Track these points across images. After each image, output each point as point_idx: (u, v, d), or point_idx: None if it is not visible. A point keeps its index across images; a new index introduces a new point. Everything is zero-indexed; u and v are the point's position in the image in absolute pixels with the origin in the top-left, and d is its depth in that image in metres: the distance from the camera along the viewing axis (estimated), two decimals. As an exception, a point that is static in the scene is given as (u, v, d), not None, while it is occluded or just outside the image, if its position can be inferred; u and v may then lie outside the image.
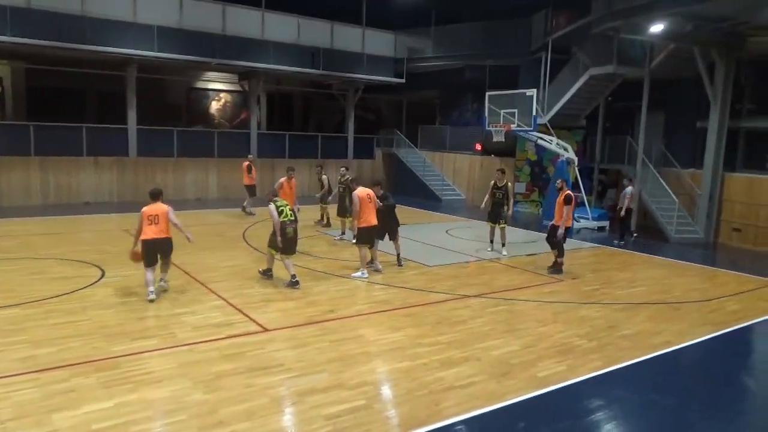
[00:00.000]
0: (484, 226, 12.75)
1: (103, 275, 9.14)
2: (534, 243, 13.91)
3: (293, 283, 8.75)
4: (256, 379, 5.48)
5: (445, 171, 23.85)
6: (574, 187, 16.40)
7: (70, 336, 6.40)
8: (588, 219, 16.71)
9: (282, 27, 20.17)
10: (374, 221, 9.69)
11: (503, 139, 17.08)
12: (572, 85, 17.98)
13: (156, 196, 8.39)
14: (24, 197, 17.10)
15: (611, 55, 16.38)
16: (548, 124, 17.85)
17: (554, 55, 18.51)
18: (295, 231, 8.96)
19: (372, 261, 10.10)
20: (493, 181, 12.22)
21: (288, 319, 7.36)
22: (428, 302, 8.40)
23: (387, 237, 10.49)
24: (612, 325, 7.74)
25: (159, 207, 8.18)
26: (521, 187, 20.63)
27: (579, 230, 15.97)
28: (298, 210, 10.27)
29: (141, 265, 8.01)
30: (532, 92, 15.92)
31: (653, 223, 15.91)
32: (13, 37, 15.39)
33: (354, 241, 12.01)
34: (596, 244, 14.06)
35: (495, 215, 12.11)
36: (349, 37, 21.83)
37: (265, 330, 6.90)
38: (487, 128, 17.35)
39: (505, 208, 11.96)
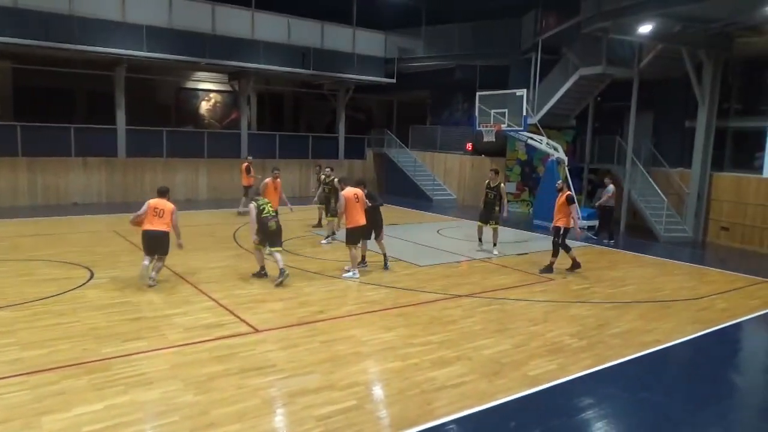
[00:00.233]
0: (475, 226, 12.77)
1: (92, 276, 9.07)
2: (525, 243, 13.99)
3: (281, 274, 8.88)
4: (247, 380, 5.46)
5: (436, 171, 23.89)
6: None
7: (60, 338, 6.35)
8: (578, 218, 16.77)
9: (272, 27, 20.12)
10: (362, 221, 9.69)
11: (494, 139, 17.12)
12: (562, 85, 18.07)
13: (164, 193, 8.89)
14: (11, 198, 16.96)
15: (600, 56, 16.48)
16: (538, 124, 17.92)
17: (544, 55, 18.60)
18: (278, 224, 9.14)
19: (362, 260, 10.11)
20: (487, 181, 12.26)
21: (279, 320, 7.35)
22: (419, 302, 8.42)
23: (372, 237, 10.45)
24: (602, 323, 7.79)
25: (165, 203, 8.69)
26: (512, 187, 20.70)
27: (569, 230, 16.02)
28: (291, 210, 10.31)
29: (129, 266, 8.00)
30: (522, 92, 15.97)
31: (642, 222, 16.03)
32: (-1, 37, 15.28)
33: (324, 240, 12.07)
34: (586, 243, 14.14)
35: (486, 216, 12.14)
36: (339, 37, 21.82)
37: (256, 331, 6.88)
38: (477, 128, 17.39)
39: (497, 208, 11.99)
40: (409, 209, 19.56)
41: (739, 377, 6.65)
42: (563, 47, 18.31)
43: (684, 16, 13.12)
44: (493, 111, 16.44)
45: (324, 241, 12.62)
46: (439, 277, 10.07)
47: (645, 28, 13.49)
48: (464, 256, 11.97)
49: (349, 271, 9.74)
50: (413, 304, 8.28)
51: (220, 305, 7.82)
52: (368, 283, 9.38)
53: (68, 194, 17.91)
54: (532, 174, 20.48)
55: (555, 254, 10.72)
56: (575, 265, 10.76)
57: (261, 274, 9.32)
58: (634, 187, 16.30)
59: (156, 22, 17.68)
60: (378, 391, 5.51)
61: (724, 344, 7.60)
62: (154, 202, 8.66)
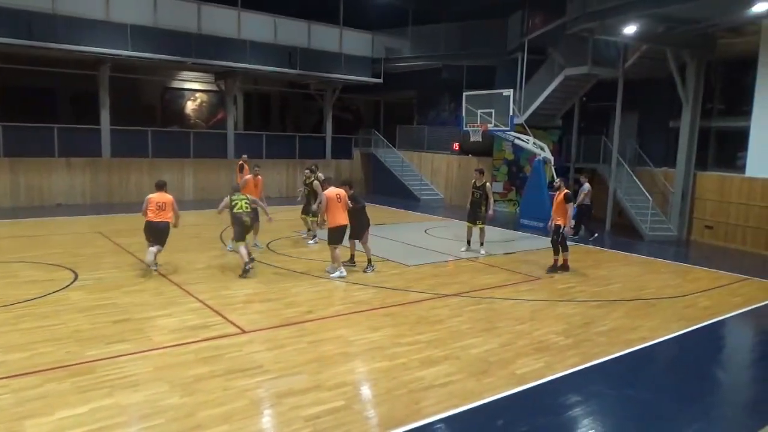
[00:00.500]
0: (463, 226, 12.81)
1: (76, 278, 8.96)
2: (511, 242, 14.06)
3: (249, 262, 9.52)
4: (234, 382, 5.42)
5: (423, 171, 23.92)
6: (551, 186, 16.58)
7: (43, 341, 6.26)
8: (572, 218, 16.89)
9: (258, 26, 20.02)
10: (343, 221, 9.67)
11: (480, 139, 17.18)
12: (548, 86, 18.17)
13: (161, 186, 9.64)
14: (-7, 199, 16.72)
15: (586, 56, 16.59)
16: (525, 124, 18.02)
17: (530, 55, 18.69)
18: (252, 219, 9.88)
19: (335, 260, 9.88)
20: (473, 181, 12.29)
21: (266, 321, 7.31)
22: (407, 302, 8.42)
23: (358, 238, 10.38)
24: (588, 321, 7.84)
25: (165, 196, 9.47)
26: (499, 187, 20.78)
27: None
28: (270, 220, 10.51)
29: (113, 267, 7.98)
30: (508, 92, 16.03)
31: (628, 221, 16.17)
32: (-20, 36, 15.05)
33: (311, 241, 12.01)
34: (572, 242, 14.20)
35: (472, 215, 12.17)
36: (326, 37, 21.76)
37: (243, 332, 6.84)
38: (464, 128, 17.43)
39: (483, 208, 12.02)
40: (397, 209, 19.57)
41: (722, 374, 6.73)
42: (549, 48, 18.41)
43: (668, 17, 13.25)
44: (479, 111, 16.50)
45: (311, 242, 12.59)
46: (426, 276, 10.08)
47: (630, 29, 13.60)
48: (452, 255, 11.99)
49: (333, 271, 9.71)
50: (401, 304, 8.28)
51: (207, 306, 7.77)
52: (356, 283, 9.37)
53: (52, 195, 17.68)
54: (518, 174, 20.58)
55: (556, 252, 10.81)
56: (564, 267, 10.81)
57: (246, 269, 9.46)
58: (620, 187, 16.43)
59: (141, 21, 17.50)
60: (366, 391, 5.50)
61: (708, 341, 7.68)
62: (155, 196, 9.42)
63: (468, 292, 9.12)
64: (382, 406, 5.14)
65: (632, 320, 7.99)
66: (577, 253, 13.01)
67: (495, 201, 20.39)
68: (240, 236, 9.58)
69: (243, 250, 9.51)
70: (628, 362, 6.55)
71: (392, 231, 14.69)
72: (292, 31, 20.75)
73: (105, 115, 18.37)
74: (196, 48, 18.55)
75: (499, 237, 14.46)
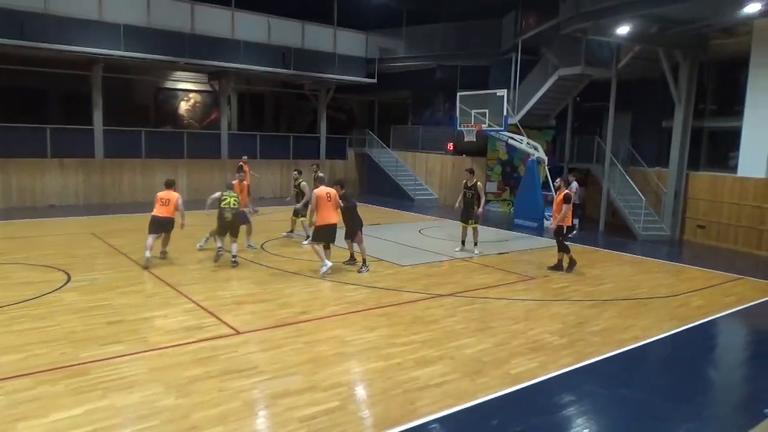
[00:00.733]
0: (457, 226, 12.84)
1: (69, 279, 8.92)
2: (505, 242, 14.09)
3: (218, 255, 10.32)
4: (229, 383, 5.42)
5: (417, 171, 23.94)
6: (545, 186, 16.65)
7: (37, 342, 6.23)
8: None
9: (252, 26, 19.99)
10: (331, 220, 9.72)
11: (474, 139, 17.22)
12: (542, 86, 18.24)
13: (170, 185, 10.46)
14: (-15, 200, 16.62)
15: (579, 56, 16.67)
16: (519, 124, 18.07)
17: (524, 55, 18.75)
18: (234, 217, 10.23)
19: (318, 255, 9.86)
20: (464, 181, 12.33)
21: (261, 321, 7.31)
22: (402, 302, 8.43)
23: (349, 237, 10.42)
24: (582, 321, 7.87)
25: (171, 193, 10.23)
26: (493, 187, 20.86)
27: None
28: (254, 212, 10.87)
29: (107, 269, 8.06)
30: (502, 92, 16.07)
31: (621, 220, 16.25)
32: (-29, 36, 14.97)
33: (306, 242, 12.02)
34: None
35: (465, 215, 12.21)
36: (320, 37, 21.75)
37: (238, 333, 6.83)
38: (458, 128, 17.47)
39: (476, 207, 12.06)
40: (391, 209, 19.58)
41: (715, 373, 6.78)
42: (543, 48, 18.47)
43: (661, 17, 13.33)
44: (473, 111, 16.54)
45: (305, 242, 12.58)
46: (421, 276, 10.10)
47: (623, 30, 13.67)
48: (446, 255, 12.01)
49: (322, 269, 9.72)
50: (396, 304, 8.29)
51: (201, 307, 7.75)
52: (350, 284, 9.37)
53: (44, 196, 17.60)
54: (512, 174, 20.64)
55: (562, 250, 10.90)
56: (558, 267, 10.87)
57: (218, 254, 10.33)
58: (613, 187, 16.51)
59: (134, 21, 17.44)
60: (361, 392, 5.51)
61: (700, 340, 7.73)
62: (162, 193, 10.24)
63: (462, 292, 9.14)
64: (377, 406, 5.15)
65: (625, 320, 8.03)
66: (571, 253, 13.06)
67: (489, 201, 20.56)
68: (219, 231, 10.35)
69: (218, 243, 10.34)
70: (622, 362, 6.58)
71: (387, 231, 14.70)
72: (286, 31, 20.73)
73: (98, 116, 18.29)
74: (190, 48, 18.49)
75: (494, 237, 14.50)
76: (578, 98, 19.37)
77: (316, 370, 5.80)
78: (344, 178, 12.54)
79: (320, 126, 24.28)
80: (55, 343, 6.25)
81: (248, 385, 5.41)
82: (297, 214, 12.86)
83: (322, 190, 9.78)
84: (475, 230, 12.22)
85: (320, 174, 12.96)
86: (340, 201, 9.95)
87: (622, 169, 16.75)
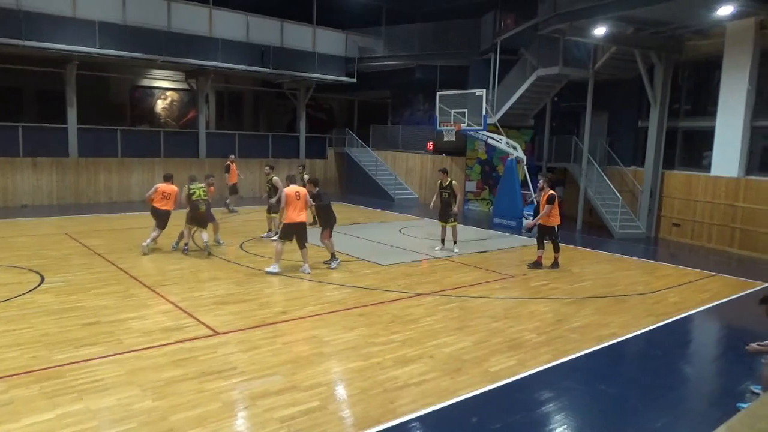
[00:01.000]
0: (437, 225, 12.87)
1: (42, 281, 8.74)
2: (485, 240, 14.17)
3: (208, 253, 10.76)
4: (207, 384, 5.36)
5: (397, 170, 23.95)
6: (524, 185, 16.78)
7: (8, 345, 6.09)
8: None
9: (230, 24, 19.80)
10: (297, 218, 9.70)
11: (454, 139, 17.28)
12: (520, 86, 18.37)
13: (168, 178, 11.06)
14: (-45, 200, 16.21)
15: (557, 57, 16.82)
16: (498, 124, 18.19)
17: (503, 55, 18.88)
18: (207, 207, 10.87)
19: (276, 254, 9.88)
20: (439, 181, 12.38)
21: (240, 322, 7.24)
22: (381, 301, 8.42)
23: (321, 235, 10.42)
24: (560, 319, 7.95)
25: (171, 187, 10.85)
26: (472, 186, 20.96)
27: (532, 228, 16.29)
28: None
29: (82, 270, 7.92)
30: (481, 92, 16.15)
31: (598, 219, 16.45)
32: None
33: (274, 237, 11.99)
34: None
35: (444, 214, 12.25)
36: (299, 36, 21.64)
37: (216, 333, 6.76)
38: (438, 128, 17.50)
39: (454, 207, 12.11)
40: (371, 208, 19.57)
41: (690, 367, 6.89)
42: (521, 48, 18.61)
43: (636, 19, 13.52)
44: (453, 110, 16.59)
45: (273, 239, 12.50)
46: (401, 275, 10.10)
47: (599, 31, 13.83)
48: (426, 254, 12.04)
49: (271, 265, 9.76)
50: (375, 304, 8.28)
51: (179, 308, 7.66)
52: (330, 283, 9.34)
53: (16, 196, 17.22)
54: (492, 173, 20.76)
55: (556, 250, 11.13)
56: (537, 264, 10.99)
57: (184, 249, 10.89)
58: (590, 186, 16.71)
59: (109, 17, 17.14)
60: (341, 391, 5.48)
61: (676, 336, 7.86)
62: (162, 186, 10.83)
63: (442, 290, 9.17)
64: (357, 405, 5.13)
65: (603, 317, 8.13)
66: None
67: (469, 200, 20.66)
68: (190, 221, 10.84)
69: (185, 232, 10.90)
70: (600, 358, 6.66)
71: (367, 230, 14.68)
72: (265, 30, 20.58)
73: (72, 114, 17.95)
74: (166, 46, 18.24)
75: (473, 236, 14.57)
76: (556, 98, 19.56)
77: (295, 371, 5.76)
78: (317, 177, 12.50)
79: (300, 125, 24.15)
80: (27, 345, 6.12)
81: (227, 386, 5.36)
82: (270, 210, 12.91)
83: (292, 188, 9.79)
84: (454, 229, 12.27)
85: (305, 176, 12.97)
86: (312, 200, 9.93)
87: (599, 169, 16.96)
